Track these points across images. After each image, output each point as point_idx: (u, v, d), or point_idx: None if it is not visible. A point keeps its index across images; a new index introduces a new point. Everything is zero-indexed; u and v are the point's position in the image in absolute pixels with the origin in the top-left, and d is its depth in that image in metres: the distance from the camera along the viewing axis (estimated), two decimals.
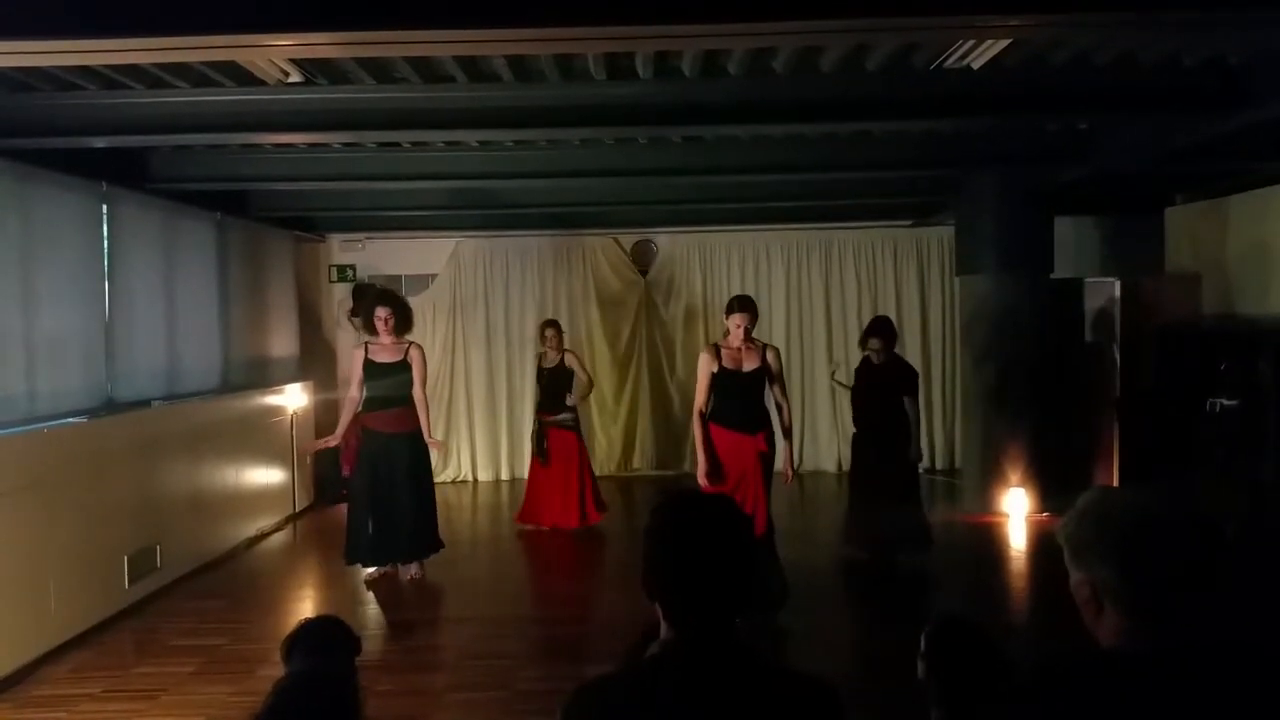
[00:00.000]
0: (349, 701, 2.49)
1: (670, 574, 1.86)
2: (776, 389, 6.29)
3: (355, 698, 2.55)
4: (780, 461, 6.38)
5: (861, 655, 5.87)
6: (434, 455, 7.70)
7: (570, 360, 8.87)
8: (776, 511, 6.39)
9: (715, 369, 6.15)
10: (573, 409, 8.87)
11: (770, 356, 6.25)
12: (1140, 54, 5.66)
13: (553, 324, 9.05)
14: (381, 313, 7.20)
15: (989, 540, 8.27)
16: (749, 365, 6.16)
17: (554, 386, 8.76)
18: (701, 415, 6.19)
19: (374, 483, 7.15)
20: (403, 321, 7.28)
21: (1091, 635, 1.75)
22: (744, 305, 6.29)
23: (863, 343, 7.46)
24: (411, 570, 7.29)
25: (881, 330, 7.43)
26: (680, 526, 1.90)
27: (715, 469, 6.02)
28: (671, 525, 1.90)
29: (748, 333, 6.16)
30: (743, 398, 6.15)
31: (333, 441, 7.53)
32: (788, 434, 6.32)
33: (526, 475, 9.22)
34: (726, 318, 6.29)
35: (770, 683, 1.83)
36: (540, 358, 8.90)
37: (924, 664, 2.79)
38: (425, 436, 7.22)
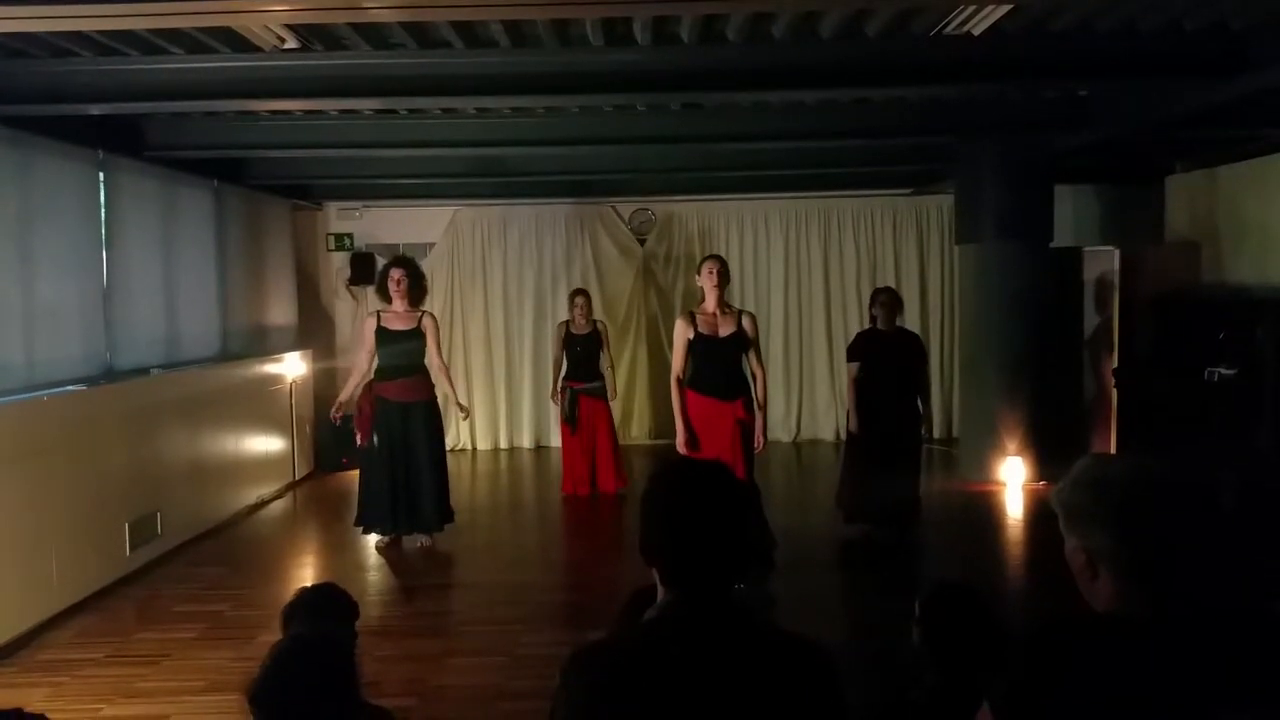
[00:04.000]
0: (346, 665, 2.51)
1: (668, 538, 1.87)
2: (752, 356, 6.30)
3: (352, 662, 2.57)
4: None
5: (856, 621, 5.91)
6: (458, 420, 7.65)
7: (601, 328, 8.97)
8: (774, 480, 6.41)
9: (691, 335, 6.17)
10: (603, 377, 8.91)
11: (746, 322, 6.25)
12: (1141, 19, 5.62)
13: (583, 292, 9.10)
14: (395, 274, 7.20)
15: (986, 508, 8.31)
16: (725, 330, 6.16)
17: (586, 354, 8.80)
18: (679, 381, 6.21)
19: (391, 451, 7.16)
20: (416, 285, 7.28)
21: (1087, 601, 1.77)
22: (714, 256, 6.43)
23: (873, 304, 7.42)
24: (421, 539, 7.33)
25: (889, 290, 7.48)
26: (678, 491, 1.91)
27: (693, 438, 6.06)
28: (669, 490, 1.92)
29: (722, 277, 6.18)
30: (720, 364, 6.16)
31: (340, 411, 7.44)
32: (761, 404, 6.31)
33: (559, 444, 9.30)
34: (698, 273, 6.31)
35: (766, 644, 1.85)
36: (568, 324, 8.90)
37: (919, 630, 2.81)
38: (454, 403, 7.25)
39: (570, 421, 8.79)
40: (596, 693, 1.80)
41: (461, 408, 7.53)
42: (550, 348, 9.44)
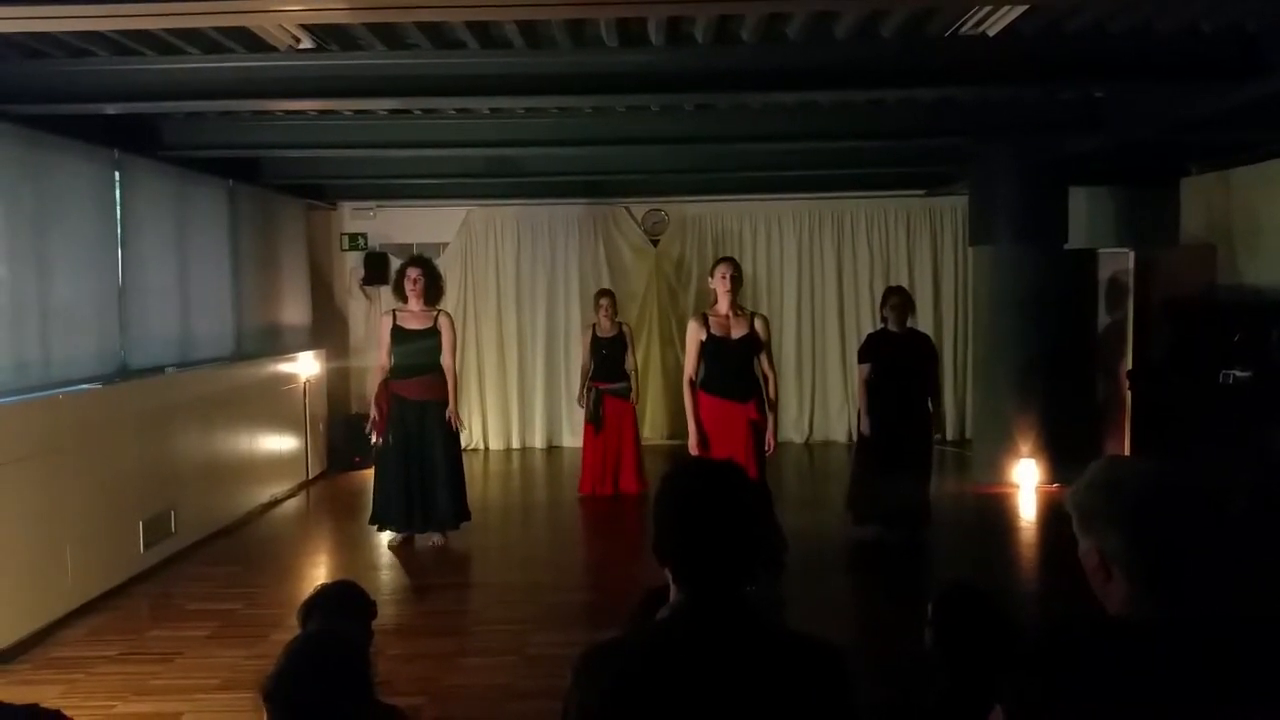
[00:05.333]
0: (360, 663, 2.51)
1: (681, 537, 1.88)
2: (764, 358, 6.31)
3: (366, 660, 2.58)
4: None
5: (868, 623, 5.91)
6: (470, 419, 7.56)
7: (626, 330, 9.00)
8: (786, 482, 6.41)
9: (704, 337, 6.18)
10: (628, 378, 8.94)
11: (759, 325, 6.28)
12: (1157, 21, 5.60)
13: (608, 293, 9.14)
14: (412, 273, 7.23)
15: (999, 511, 8.28)
16: (737, 333, 6.18)
17: (612, 355, 8.85)
18: (691, 383, 6.23)
19: (406, 449, 7.17)
20: (432, 286, 7.30)
21: (1100, 603, 1.76)
22: (727, 259, 6.44)
23: (884, 305, 7.42)
24: (434, 537, 7.34)
25: (900, 291, 7.49)
26: (691, 490, 1.92)
27: (704, 439, 6.07)
28: (683, 489, 1.93)
29: (735, 282, 6.18)
30: (732, 365, 6.17)
31: (375, 414, 7.28)
32: (772, 406, 6.32)
33: (581, 444, 9.28)
34: (711, 276, 6.32)
35: (777, 645, 1.85)
36: (594, 327, 8.95)
37: (931, 631, 2.81)
38: (449, 410, 7.21)
39: (595, 421, 8.83)
40: (608, 693, 1.80)
41: (457, 417, 7.33)
42: (579, 352, 9.44)
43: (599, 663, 1.86)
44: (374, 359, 7.96)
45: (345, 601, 3.08)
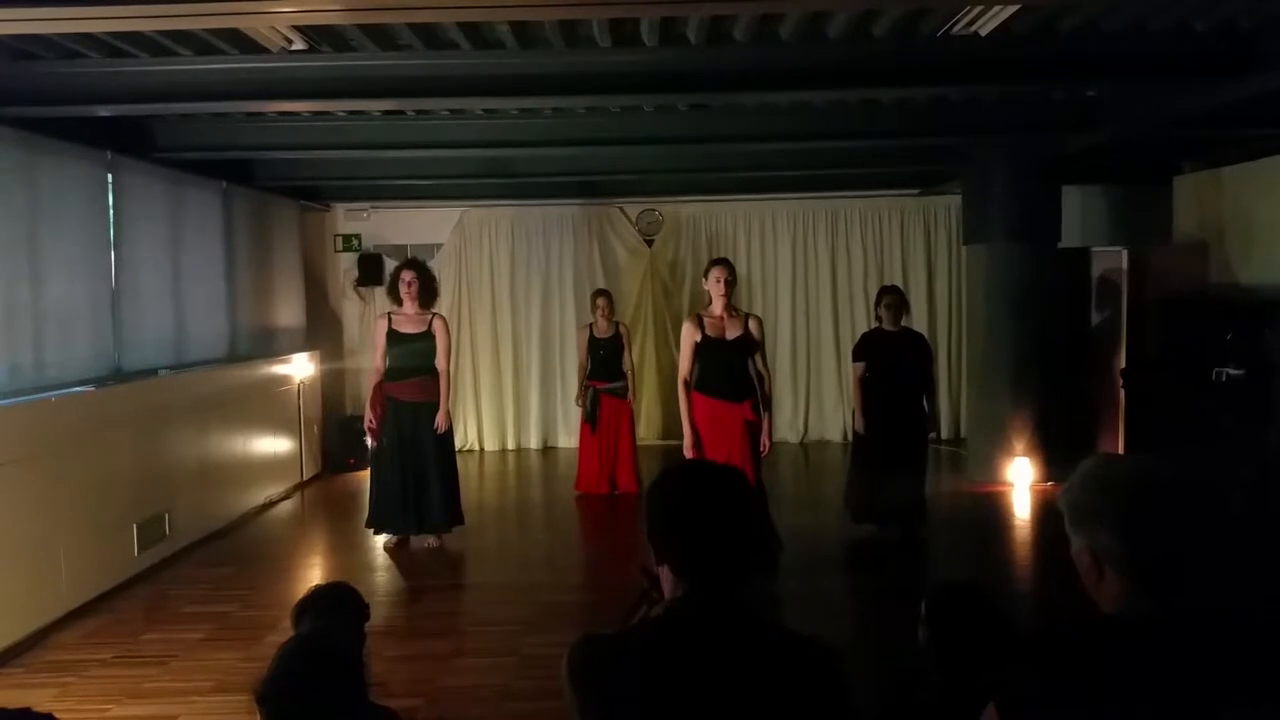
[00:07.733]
0: (353, 665, 2.51)
1: (682, 534, 1.88)
2: (758, 358, 6.34)
3: (360, 662, 2.57)
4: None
5: (863, 621, 5.91)
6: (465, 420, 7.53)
7: (623, 330, 9.03)
8: (782, 481, 6.41)
9: (698, 338, 6.20)
10: (625, 377, 8.95)
11: (753, 325, 6.30)
12: (1150, 20, 5.61)
13: (604, 293, 9.15)
14: (406, 275, 7.23)
15: (993, 509, 8.29)
16: (731, 333, 6.20)
17: (609, 355, 8.87)
18: (686, 384, 6.24)
19: (400, 452, 7.18)
20: (426, 288, 7.31)
21: (1092, 601, 1.76)
22: (721, 261, 6.44)
23: (878, 304, 7.43)
24: (429, 540, 7.34)
25: (895, 290, 7.50)
26: (693, 489, 1.93)
27: (699, 441, 6.07)
28: (685, 487, 1.94)
29: (729, 285, 6.20)
30: (727, 366, 6.19)
31: (372, 420, 7.28)
32: (767, 405, 6.34)
33: (577, 443, 9.33)
34: (705, 278, 6.32)
35: (774, 644, 1.85)
36: (591, 327, 8.98)
37: (925, 629, 2.81)
38: (439, 415, 7.21)
39: (591, 421, 8.85)
40: (608, 691, 1.81)
41: (446, 419, 7.26)
42: (574, 352, 9.46)
43: (595, 654, 1.86)
44: (369, 361, 7.95)
45: (338, 603, 3.07)
